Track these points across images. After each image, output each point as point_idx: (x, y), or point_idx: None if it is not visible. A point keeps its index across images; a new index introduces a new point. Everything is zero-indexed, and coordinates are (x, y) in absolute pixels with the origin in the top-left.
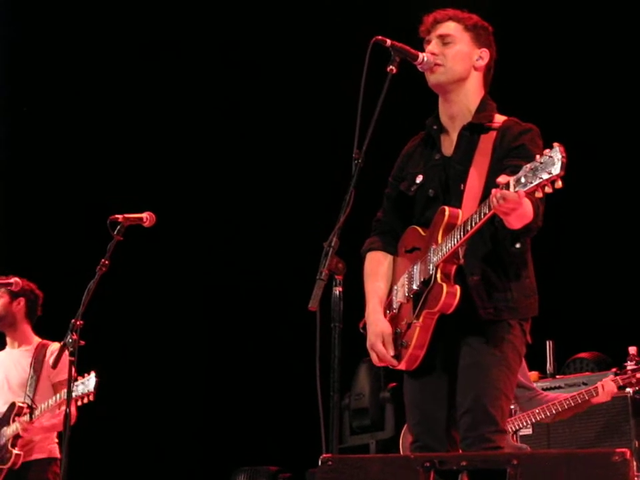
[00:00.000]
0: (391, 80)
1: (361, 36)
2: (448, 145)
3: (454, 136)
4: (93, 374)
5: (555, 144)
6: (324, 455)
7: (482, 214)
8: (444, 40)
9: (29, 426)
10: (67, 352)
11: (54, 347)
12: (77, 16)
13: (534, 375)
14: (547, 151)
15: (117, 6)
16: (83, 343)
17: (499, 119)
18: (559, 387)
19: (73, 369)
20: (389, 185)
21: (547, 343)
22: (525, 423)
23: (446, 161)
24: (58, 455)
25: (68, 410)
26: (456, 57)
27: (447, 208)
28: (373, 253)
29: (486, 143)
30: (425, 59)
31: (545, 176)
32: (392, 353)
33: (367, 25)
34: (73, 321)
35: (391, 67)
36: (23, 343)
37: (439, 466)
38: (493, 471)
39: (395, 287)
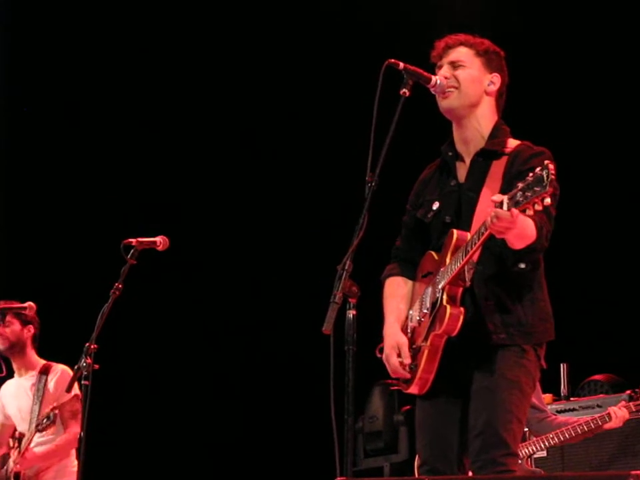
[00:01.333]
0: (404, 103)
1: (374, 59)
2: (462, 172)
3: (468, 161)
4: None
5: (546, 161)
6: (338, 478)
7: (480, 234)
8: (455, 65)
9: (22, 458)
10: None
11: (56, 368)
12: (77, 16)
13: (548, 397)
14: (539, 169)
15: (117, 6)
16: (97, 367)
17: (512, 143)
18: (573, 410)
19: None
20: (406, 212)
21: (561, 365)
22: (538, 447)
23: (460, 187)
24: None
25: (83, 434)
26: (468, 81)
27: (455, 231)
28: (392, 278)
29: (497, 168)
30: (438, 81)
31: (535, 193)
32: (408, 361)
33: (381, 48)
34: (87, 344)
35: (404, 89)
36: (29, 369)
37: None
38: None
39: (410, 312)
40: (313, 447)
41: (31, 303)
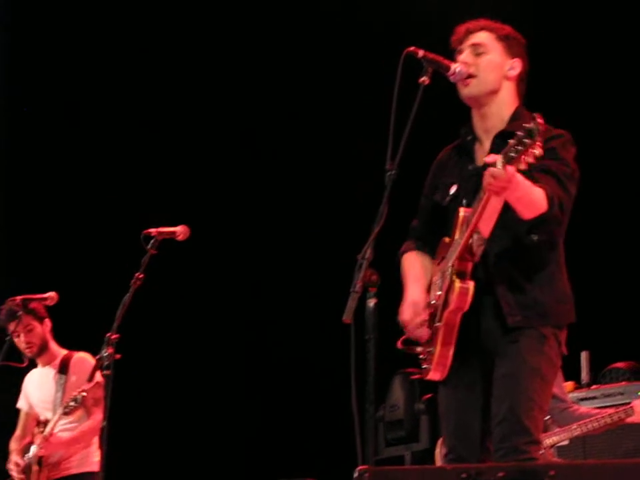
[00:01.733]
0: (424, 91)
1: (394, 47)
2: (481, 155)
3: (487, 145)
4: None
5: (535, 114)
6: (360, 467)
7: (479, 200)
8: (476, 50)
9: (46, 443)
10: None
11: (77, 357)
12: (77, 16)
13: (569, 385)
14: (527, 124)
15: (117, 5)
16: (118, 356)
17: None
18: (595, 398)
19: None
20: (422, 195)
21: (582, 353)
22: (561, 438)
23: (479, 170)
24: (96, 469)
25: (106, 424)
26: (488, 67)
27: (461, 208)
28: (409, 253)
29: (507, 147)
30: (458, 69)
31: (525, 146)
32: (423, 318)
33: (400, 37)
34: (108, 334)
35: (423, 78)
36: (52, 360)
37: (475, 477)
38: None
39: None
40: (334, 436)
41: (52, 293)
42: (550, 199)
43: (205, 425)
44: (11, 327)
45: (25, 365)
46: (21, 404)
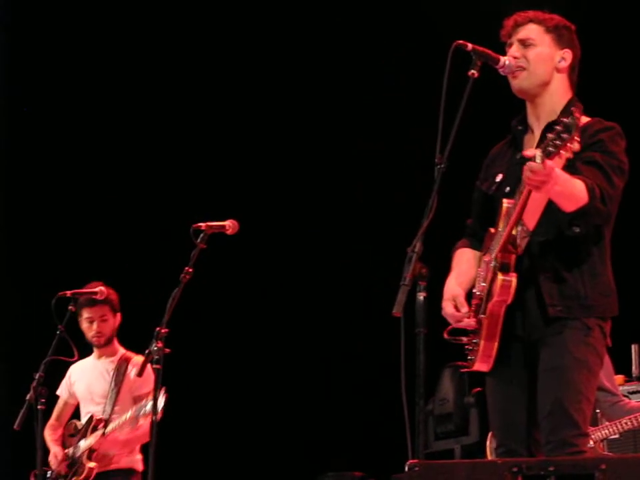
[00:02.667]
0: (473, 84)
1: (442, 41)
2: (531, 145)
3: (538, 136)
4: (162, 391)
5: (573, 108)
6: (410, 461)
7: (520, 193)
8: (525, 43)
9: (102, 439)
10: (149, 366)
11: (136, 360)
12: (77, 16)
13: (619, 378)
14: (566, 118)
15: (117, 5)
16: (168, 351)
17: (584, 119)
18: None
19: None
20: (475, 189)
21: (632, 346)
22: (612, 432)
23: (525, 160)
24: (139, 468)
25: (155, 418)
26: (537, 60)
27: (505, 200)
28: (459, 250)
29: (546, 141)
30: (507, 62)
31: (563, 140)
32: (465, 310)
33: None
34: (157, 329)
35: (472, 71)
36: (110, 355)
37: (526, 471)
38: (580, 476)
39: (474, 290)
40: (384, 430)
41: (102, 287)
42: (590, 191)
43: (255, 417)
44: (86, 312)
45: (75, 359)
46: (62, 392)
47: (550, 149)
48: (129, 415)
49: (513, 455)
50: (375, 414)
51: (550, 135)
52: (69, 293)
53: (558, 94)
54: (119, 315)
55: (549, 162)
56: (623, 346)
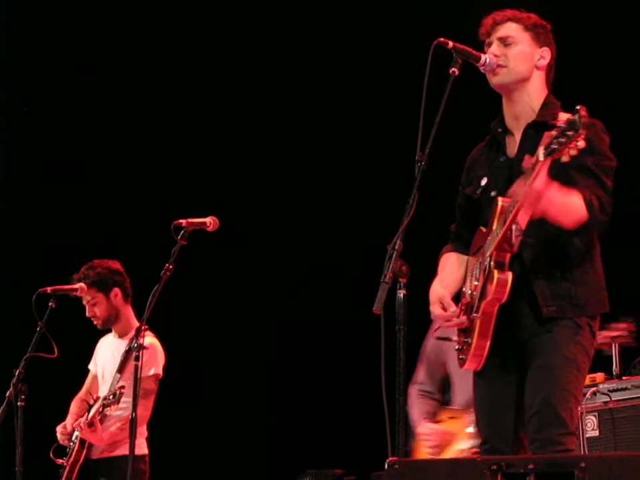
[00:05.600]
0: (453, 82)
1: (423, 39)
2: (512, 147)
3: (518, 136)
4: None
5: (578, 106)
6: (390, 459)
7: (515, 202)
8: (505, 42)
9: (84, 429)
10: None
11: (146, 341)
12: (77, 16)
13: (600, 376)
14: (571, 115)
15: (117, 5)
16: (148, 347)
17: (563, 116)
18: (626, 389)
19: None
20: (459, 194)
21: (613, 344)
22: None
23: (510, 162)
24: (144, 452)
25: (134, 414)
26: (518, 58)
27: (499, 198)
28: (445, 254)
29: (549, 139)
30: (488, 60)
31: (568, 138)
32: (453, 309)
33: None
34: (138, 325)
35: (453, 69)
36: (126, 332)
37: (505, 469)
38: (560, 473)
39: (463, 289)
40: (364, 427)
41: (82, 284)
42: (589, 206)
43: (234, 415)
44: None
45: (55, 356)
46: (92, 366)
47: (554, 146)
48: (105, 395)
49: (496, 452)
50: (355, 411)
51: (554, 132)
52: (49, 289)
53: (535, 91)
54: (115, 291)
55: (537, 182)
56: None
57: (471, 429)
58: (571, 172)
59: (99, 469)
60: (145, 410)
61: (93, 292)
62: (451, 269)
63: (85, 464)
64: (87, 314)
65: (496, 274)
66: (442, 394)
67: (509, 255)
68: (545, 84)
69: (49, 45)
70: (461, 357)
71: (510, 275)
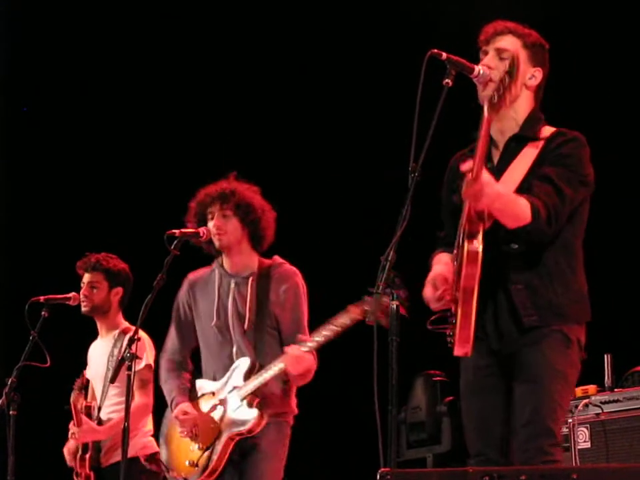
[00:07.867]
0: (447, 93)
1: (416, 50)
2: (495, 156)
3: (501, 147)
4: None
5: None
6: (382, 469)
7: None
8: (501, 54)
9: (76, 430)
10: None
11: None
12: (77, 16)
13: (592, 388)
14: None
15: (117, 5)
16: (141, 357)
17: (547, 130)
18: (618, 401)
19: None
20: (442, 200)
21: (605, 356)
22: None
23: (492, 170)
24: (154, 449)
25: (127, 424)
26: None
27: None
28: (437, 255)
29: (530, 152)
30: (481, 72)
31: None
32: (442, 287)
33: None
34: (130, 335)
35: (446, 80)
36: (110, 330)
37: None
38: None
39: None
40: (356, 438)
41: (75, 293)
42: (535, 212)
43: None
44: (84, 277)
45: (47, 365)
46: (87, 372)
47: None
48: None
49: (490, 463)
50: (347, 422)
51: None
52: (42, 298)
53: (523, 108)
54: (118, 290)
55: (484, 177)
56: (595, 356)
57: None
58: (532, 181)
59: (114, 476)
60: (147, 397)
61: (100, 277)
62: (445, 262)
63: (100, 474)
64: (82, 292)
65: (466, 245)
66: None
67: (481, 226)
68: (532, 102)
69: (49, 45)
70: (449, 342)
71: (481, 245)
